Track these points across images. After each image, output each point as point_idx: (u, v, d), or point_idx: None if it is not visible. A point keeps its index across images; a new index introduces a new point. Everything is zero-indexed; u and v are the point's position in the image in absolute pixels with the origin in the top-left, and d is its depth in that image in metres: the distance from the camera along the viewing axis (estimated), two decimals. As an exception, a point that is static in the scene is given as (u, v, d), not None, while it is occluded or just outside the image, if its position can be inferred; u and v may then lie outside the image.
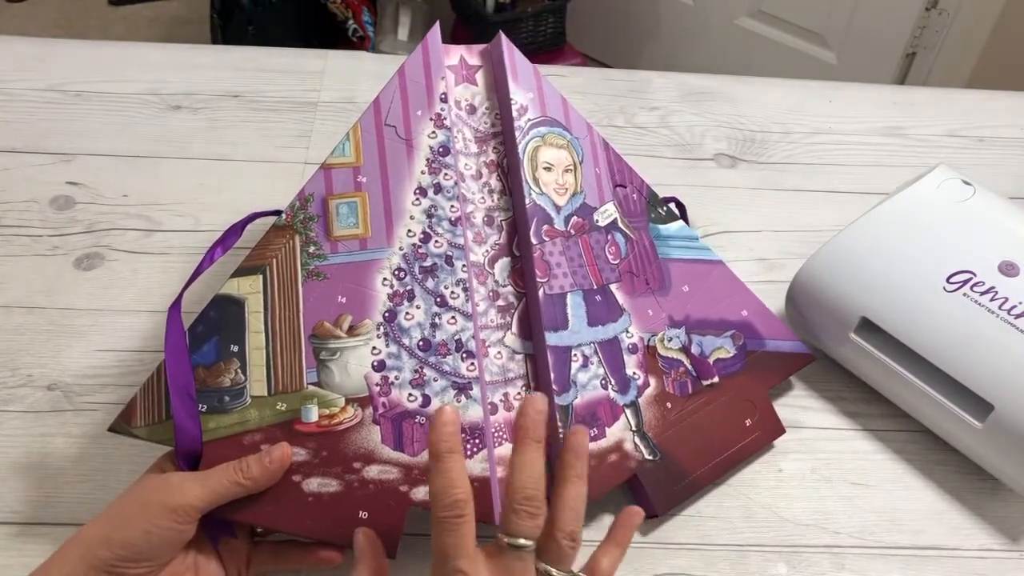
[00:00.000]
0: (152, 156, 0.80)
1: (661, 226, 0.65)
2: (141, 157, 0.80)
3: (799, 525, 0.59)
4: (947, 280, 0.60)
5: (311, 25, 1.96)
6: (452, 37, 2.07)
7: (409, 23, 2.00)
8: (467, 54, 0.65)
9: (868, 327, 0.62)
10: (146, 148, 0.81)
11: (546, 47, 2.01)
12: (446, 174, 0.60)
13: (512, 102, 0.63)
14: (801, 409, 0.65)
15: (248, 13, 1.87)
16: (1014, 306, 0.58)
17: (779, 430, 0.62)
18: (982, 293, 0.59)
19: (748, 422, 0.61)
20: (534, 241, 0.60)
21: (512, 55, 0.64)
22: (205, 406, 0.53)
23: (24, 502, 0.57)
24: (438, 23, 0.65)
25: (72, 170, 0.78)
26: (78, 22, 2.31)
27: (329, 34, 1.96)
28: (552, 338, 0.59)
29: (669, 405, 0.60)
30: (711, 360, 0.62)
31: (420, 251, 0.58)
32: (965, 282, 0.60)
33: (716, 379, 0.61)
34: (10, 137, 0.80)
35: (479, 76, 0.65)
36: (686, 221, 0.68)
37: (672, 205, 0.68)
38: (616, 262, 0.62)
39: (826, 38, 1.82)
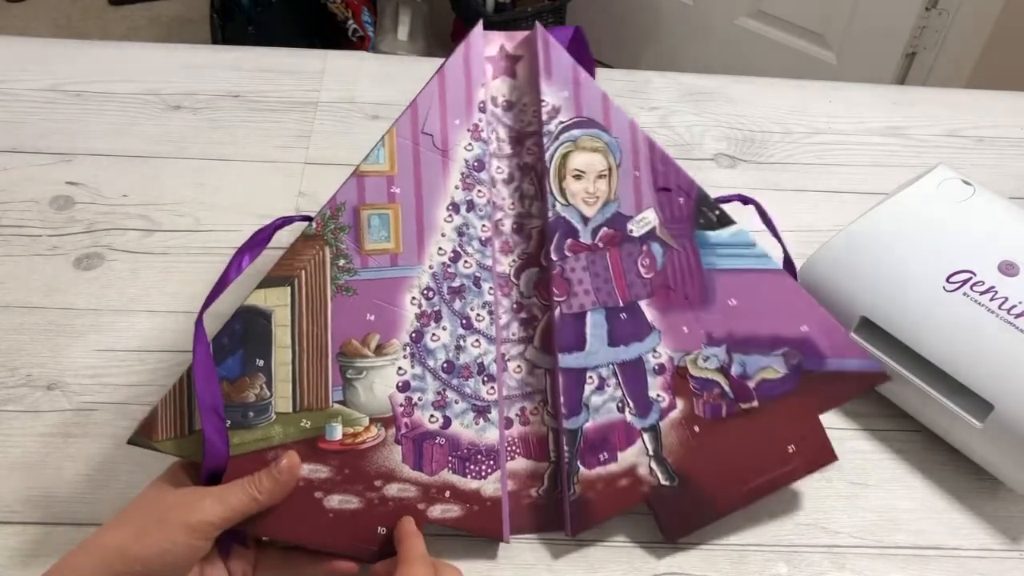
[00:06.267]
0: (152, 156, 0.80)
1: (710, 233, 0.59)
2: (141, 157, 0.80)
3: (799, 525, 0.59)
4: (947, 280, 0.60)
5: (311, 25, 1.96)
6: (452, 37, 2.07)
7: (409, 23, 2.00)
8: (508, 43, 0.61)
9: (868, 327, 0.62)
10: (146, 148, 0.81)
11: (546, 47, 2.01)
12: (479, 191, 0.58)
13: (543, 104, 0.58)
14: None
15: (248, 13, 1.86)
16: (1014, 306, 0.58)
17: (829, 457, 0.58)
18: (982, 293, 0.59)
19: (791, 448, 0.57)
20: (554, 257, 0.57)
21: (548, 50, 0.59)
22: (229, 421, 0.52)
23: (24, 502, 0.57)
24: (481, 22, 0.60)
25: (72, 170, 0.78)
26: (78, 22, 2.31)
27: (329, 34, 1.96)
28: (566, 360, 0.57)
29: (697, 429, 0.57)
30: (754, 381, 0.58)
31: (449, 271, 0.57)
32: (965, 282, 0.60)
33: (755, 403, 0.58)
34: (10, 137, 0.80)
35: (519, 68, 0.61)
36: (765, 217, 0.62)
37: (736, 204, 0.62)
38: (649, 276, 0.59)
39: (826, 38, 1.82)
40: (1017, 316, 0.57)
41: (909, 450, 0.64)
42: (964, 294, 0.59)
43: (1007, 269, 0.60)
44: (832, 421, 0.65)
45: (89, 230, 0.73)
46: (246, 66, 0.90)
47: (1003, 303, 0.58)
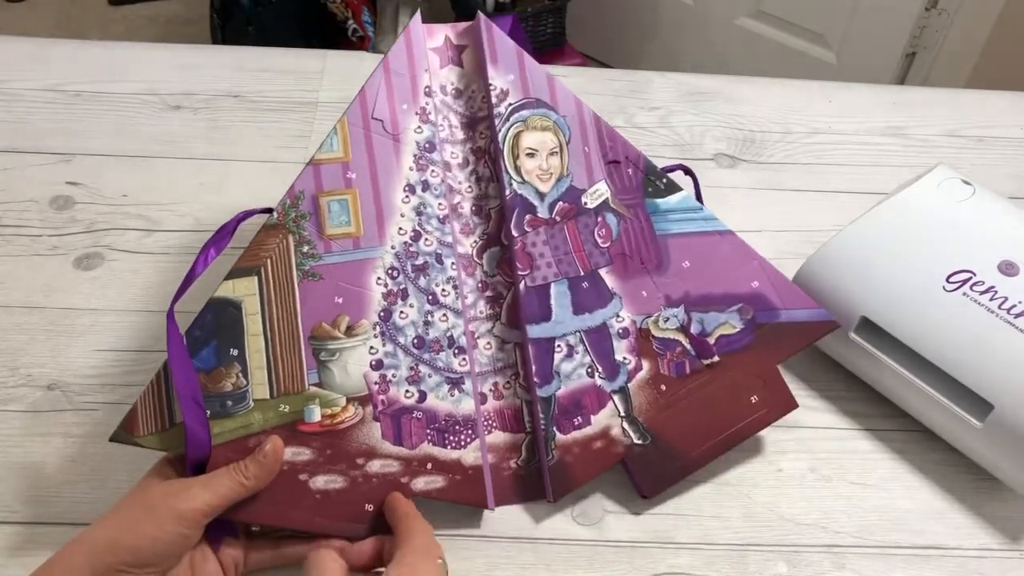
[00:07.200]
0: (152, 156, 0.80)
1: (660, 200, 0.62)
2: (141, 157, 0.80)
3: (799, 525, 0.59)
4: (947, 280, 0.60)
5: (311, 25, 1.96)
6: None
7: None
8: (451, 34, 0.64)
9: (868, 327, 0.62)
10: (146, 148, 0.81)
11: (546, 47, 2.01)
12: (433, 171, 0.60)
13: (492, 87, 0.61)
14: (801, 409, 0.65)
15: (248, 13, 1.86)
16: (1014, 305, 0.58)
17: (790, 405, 0.60)
18: (982, 293, 0.59)
19: (754, 399, 0.60)
20: (515, 233, 0.60)
21: (492, 37, 0.62)
22: (208, 411, 0.53)
23: (24, 502, 0.57)
24: (419, 12, 0.63)
25: (72, 170, 0.78)
26: (78, 22, 2.31)
27: (329, 34, 1.96)
28: (534, 330, 0.59)
29: (663, 387, 0.59)
30: (714, 337, 0.60)
31: (411, 249, 0.59)
32: (965, 282, 0.60)
33: (716, 358, 0.60)
34: (10, 137, 0.80)
35: (465, 57, 0.64)
36: (697, 189, 0.66)
37: (679, 174, 0.65)
38: (606, 245, 0.61)
39: (826, 38, 1.82)
40: (1017, 316, 0.57)
41: (909, 450, 0.64)
42: (964, 294, 0.59)
43: (1007, 269, 0.60)
44: (832, 421, 0.65)
45: (89, 230, 0.73)
46: (246, 66, 0.90)
47: (1003, 303, 0.58)
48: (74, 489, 0.58)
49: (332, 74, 0.90)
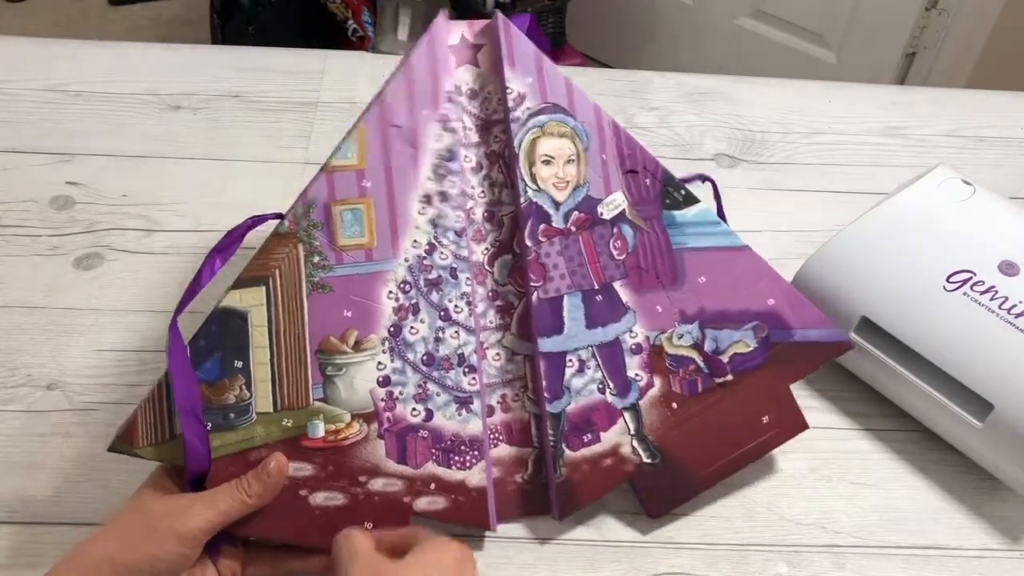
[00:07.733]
0: (152, 156, 0.80)
1: (677, 212, 0.60)
2: (141, 157, 0.80)
3: (799, 525, 0.59)
4: (947, 279, 0.60)
5: (311, 25, 1.96)
6: (452, 37, 2.07)
7: (409, 23, 2.00)
8: (468, 32, 0.60)
9: (868, 327, 0.62)
10: (146, 148, 0.81)
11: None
12: (451, 181, 0.58)
13: (508, 90, 0.59)
14: (801, 409, 0.65)
15: (248, 13, 1.86)
16: (1014, 305, 0.58)
17: (800, 426, 0.59)
18: (982, 292, 0.59)
19: (765, 419, 0.59)
20: (529, 243, 0.58)
21: (510, 37, 0.59)
22: (210, 424, 0.52)
23: (24, 502, 0.57)
24: (442, 12, 0.60)
25: (72, 170, 0.78)
26: (78, 22, 2.31)
27: (329, 34, 1.96)
28: (546, 344, 0.57)
29: (675, 405, 0.58)
30: (727, 355, 0.59)
31: (425, 263, 0.57)
32: (965, 281, 0.60)
33: (729, 377, 0.59)
34: (10, 137, 0.80)
35: (481, 56, 0.61)
36: (718, 199, 0.65)
37: (698, 183, 0.64)
38: (621, 257, 0.59)
39: (826, 38, 1.82)
40: (1017, 316, 0.57)
41: (909, 450, 0.64)
42: (964, 294, 0.59)
43: (1007, 269, 0.60)
44: (832, 421, 0.65)
45: (89, 230, 0.73)
46: (246, 66, 0.90)
47: (1003, 303, 0.58)
48: (74, 489, 0.58)
49: (332, 74, 0.90)
